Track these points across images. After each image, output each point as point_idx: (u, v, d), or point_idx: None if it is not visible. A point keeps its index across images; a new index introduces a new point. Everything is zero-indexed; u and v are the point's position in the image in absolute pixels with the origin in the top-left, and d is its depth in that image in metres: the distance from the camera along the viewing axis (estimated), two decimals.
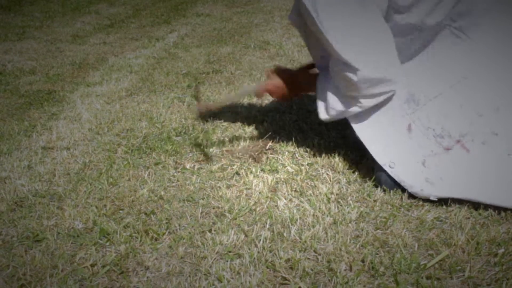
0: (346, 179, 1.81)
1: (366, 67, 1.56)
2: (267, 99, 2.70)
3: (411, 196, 1.65)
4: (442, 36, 1.62)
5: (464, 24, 1.59)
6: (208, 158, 2.02)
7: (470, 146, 1.57)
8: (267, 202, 1.68)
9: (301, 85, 1.98)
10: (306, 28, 1.76)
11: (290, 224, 1.55)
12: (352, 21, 1.57)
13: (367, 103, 1.67)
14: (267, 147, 2.06)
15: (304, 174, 1.86)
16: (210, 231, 1.54)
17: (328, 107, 1.77)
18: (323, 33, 1.57)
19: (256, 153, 2.03)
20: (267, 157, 2.00)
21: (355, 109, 1.70)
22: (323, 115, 1.80)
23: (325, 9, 1.56)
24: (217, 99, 2.40)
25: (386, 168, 1.69)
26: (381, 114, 1.74)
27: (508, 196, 1.54)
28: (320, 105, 1.81)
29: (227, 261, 1.39)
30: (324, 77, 1.81)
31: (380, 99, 1.66)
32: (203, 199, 1.73)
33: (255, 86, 2.08)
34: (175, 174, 1.92)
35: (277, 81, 1.98)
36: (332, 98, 1.74)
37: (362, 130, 1.76)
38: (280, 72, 2.00)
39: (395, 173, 1.68)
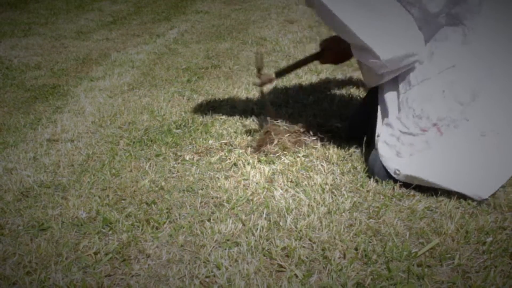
0: (340, 170, 1.80)
1: (389, 51, 1.60)
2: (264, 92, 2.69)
3: (403, 186, 1.64)
4: (442, 24, 1.63)
5: (460, 11, 1.59)
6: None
7: (444, 130, 1.59)
8: (264, 192, 1.67)
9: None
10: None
11: (286, 214, 1.54)
12: (368, 9, 1.58)
13: (393, 74, 1.70)
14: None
15: (299, 165, 1.85)
16: (209, 220, 1.53)
17: (364, 79, 1.89)
18: (341, 26, 1.60)
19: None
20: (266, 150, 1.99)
21: (384, 79, 1.75)
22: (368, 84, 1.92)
23: (337, 2, 1.59)
24: (270, 70, 2.35)
25: (376, 138, 1.74)
26: (387, 91, 1.77)
27: (468, 183, 1.55)
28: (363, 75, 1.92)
29: (225, 249, 1.39)
30: None
31: (406, 68, 1.68)
32: (202, 189, 1.72)
33: (314, 54, 2.12)
34: (175, 165, 1.91)
35: (334, 49, 2.01)
36: (365, 72, 1.84)
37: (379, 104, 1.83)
38: (335, 40, 2.02)
39: (377, 142, 1.72)
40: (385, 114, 1.76)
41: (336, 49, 1.98)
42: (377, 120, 1.79)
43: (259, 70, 2.09)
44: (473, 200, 1.54)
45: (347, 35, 1.64)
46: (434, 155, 1.59)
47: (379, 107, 1.81)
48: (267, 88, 2.77)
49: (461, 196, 1.56)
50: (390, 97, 1.75)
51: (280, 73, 2.15)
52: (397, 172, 1.63)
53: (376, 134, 1.75)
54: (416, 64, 1.66)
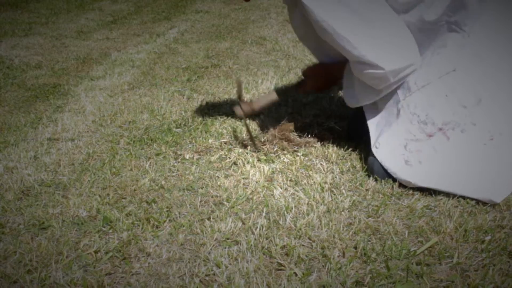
0: (339, 169, 1.79)
1: (390, 63, 1.58)
2: (263, 92, 2.68)
3: (402, 185, 1.64)
4: (441, 32, 1.62)
5: (460, 19, 1.58)
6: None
7: (450, 134, 1.58)
8: (264, 191, 1.67)
9: (335, 77, 1.98)
10: (305, 25, 1.76)
11: (285, 212, 1.53)
12: (367, 23, 1.57)
13: (390, 88, 1.68)
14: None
15: (299, 164, 1.84)
16: (209, 219, 1.53)
17: (358, 97, 1.80)
18: (341, 41, 1.58)
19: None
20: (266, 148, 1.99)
21: (380, 95, 1.72)
22: (351, 103, 1.84)
23: (336, 17, 1.57)
24: (256, 97, 2.36)
25: (373, 148, 1.71)
26: (380, 99, 1.76)
27: (478, 187, 1.54)
28: (348, 94, 1.85)
29: (225, 248, 1.38)
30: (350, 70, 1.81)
31: (402, 80, 1.66)
32: (202, 188, 1.72)
33: (296, 83, 2.11)
34: (175, 164, 1.90)
35: (316, 77, 2.01)
36: (360, 89, 1.76)
37: (368, 114, 1.82)
38: (317, 67, 2.02)
39: (379, 153, 1.70)
40: (385, 124, 1.74)
41: (319, 77, 1.98)
42: (369, 130, 1.78)
43: (240, 98, 2.01)
44: (485, 204, 1.53)
45: (347, 51, 1.62)
46: (443, 162, 1.58)
47: (369, 118, 1.80)
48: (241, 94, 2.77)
49: (460, 196, 1.56)
50: (388, 107, 1.74)
51: (262, 106, 2.04)
52: (410, 184, 1.61)
53: (372, 145, 1.73)
54: (414, 72, 1.65)
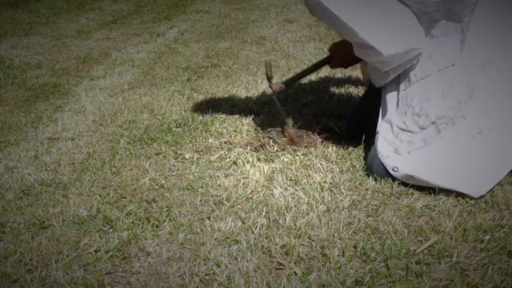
0: (339, 169, 1.79)
1: (389, 48, 1.59)
2: (262, 91, 2.68)
3: (401, 184, 1.64)
4: (441, 19, 1.62)
5: (459, 9, 1.58)
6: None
7: (442, 128, 1.59)
8: (263, 191, 1.67)
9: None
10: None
11: (285, 212, 1.53)
12: (367, 7, 1.57)
13: (400, 69, 1.69)
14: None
15: (298, 163, 1.84)
16: (209, 218, 1.53)
17: (373, 78, 1.83)
18: (345, 26, 1.58)
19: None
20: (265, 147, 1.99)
21: (391, 77, 1.73)
22: (373, 82, 1.86)
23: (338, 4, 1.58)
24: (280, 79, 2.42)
25: (376, 135, 1.73)
26: (389, 88, 1.77)
27: (464, 181, 1.55)
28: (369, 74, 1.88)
29: (225, 247, 1.38)
30: None
31: (410, 63, 1.67)
32: (202, 187, 1.72)
33: (323, 60, 2.09)
34: (175, 163, 1.90)
35: (340, 53, 1.98)
36: (372, 71, 1.81)
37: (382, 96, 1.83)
38: (340, 43, 1.99)
39: (377, 138, 1.71)
40: (385, 111, 1.75)
41: (344, 53, 1.93)
42: (378, 118, 1.78)
43: (269, 79, 2.07)
44: (471, 198, 1.54)
45: (348, 34, 1.64)
46: (431, 154, 1.59)
47: (381, 105, 1.80)
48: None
49: (459, 194, 1.56)
50: (390, 94, 1.74)
51: (290, 82, 2.12)
52: (395, 169, 1.62)
53: (377, 131, 1.75)
54: (420, 57, 1.64)
